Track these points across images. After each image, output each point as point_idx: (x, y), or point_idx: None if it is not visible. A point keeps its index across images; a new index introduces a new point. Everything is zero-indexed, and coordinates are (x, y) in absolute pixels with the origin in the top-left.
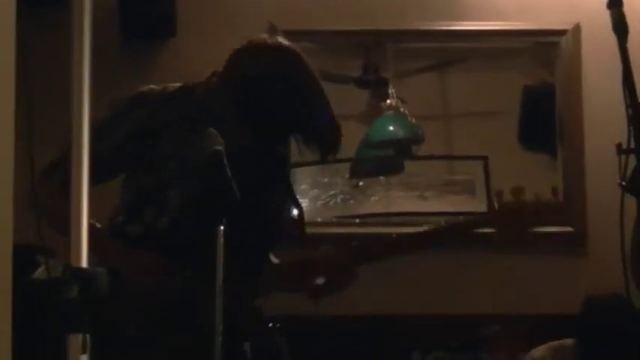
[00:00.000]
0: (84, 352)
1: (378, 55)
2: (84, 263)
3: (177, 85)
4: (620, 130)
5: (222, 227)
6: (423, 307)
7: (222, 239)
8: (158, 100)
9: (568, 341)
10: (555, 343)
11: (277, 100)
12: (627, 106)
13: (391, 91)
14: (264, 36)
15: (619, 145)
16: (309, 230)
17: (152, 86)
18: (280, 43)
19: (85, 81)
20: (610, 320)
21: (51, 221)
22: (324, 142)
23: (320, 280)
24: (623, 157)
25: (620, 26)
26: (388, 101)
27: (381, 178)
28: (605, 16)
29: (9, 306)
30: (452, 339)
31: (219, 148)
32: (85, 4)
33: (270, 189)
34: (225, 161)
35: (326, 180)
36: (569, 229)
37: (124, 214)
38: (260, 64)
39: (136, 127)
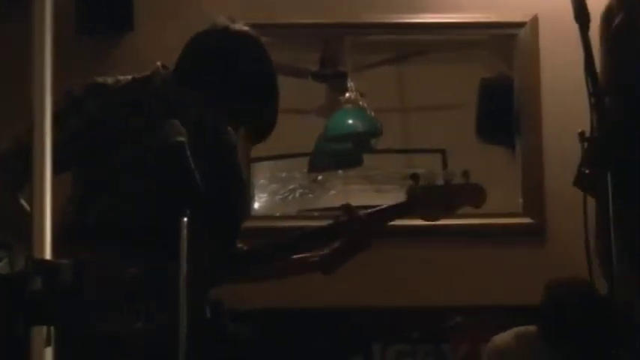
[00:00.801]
0: (48, 344)
1: (336, 48)
2: (47, 255)
3: (131, 76)
4: (578, 122)
5: (185, 219)
6: (383, 299)
7: (185, 231)
8: (112, 91)
9: (532, 328)
10: (520, 328)
11: (238, 85)
12: (590, 94)
13: (350, 84)
14: (226, 22)
15: (582, 134)
16: (268, 224)
17: (106, 77)
18: (243, 28)
19: (46, 71)
20: (572, 304)
21: None
22: (262, 133)
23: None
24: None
25: (581, 14)
26: (347, 94)
27: (340, 171)
28: (563, 8)
29: None
30: (413, 331)
31: (182, 139)
32: None
33: (224, 179)
34: (188, 152)
35: (284, 174)
36: (528, 220)
37: (76, 206)
38: (224, 49)
39: (90, 117)
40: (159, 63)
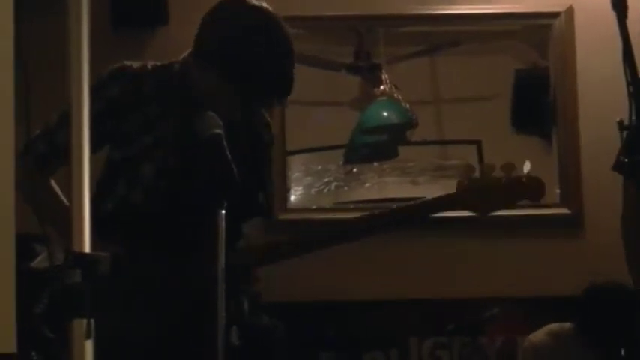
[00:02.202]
0: (88, 337)
1: (369, 40)
2: (87, 248)
3: (159, 62)
4: (614, 112)
5: (223, 211)
6: (419, 291)
7: (223, 223)
8: (136, 76)
9: (567, 325)
10: (554, 326)
11: (259, 59)
12: (628, 83)
13: (384, 76)
14: None
15: (621, 122)
16: (304, 217)
17: (133, 62)
18: (255, 2)
19: (83, 65)
20: (612, 306)
21: (26, 198)
22: (281, 96)
23: None
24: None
25: (619, 3)
26: (381, 87)
27: (375, 164)
28: None
29: (13, 295)
30: (450, 323)
31: (219, 131)
32: None
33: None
34: (225, 144)
35: (319, 167)
36: (565, 211)
37: (97, 191)
38: (243, 23)
39: (110, 101)
40: (189, 50)
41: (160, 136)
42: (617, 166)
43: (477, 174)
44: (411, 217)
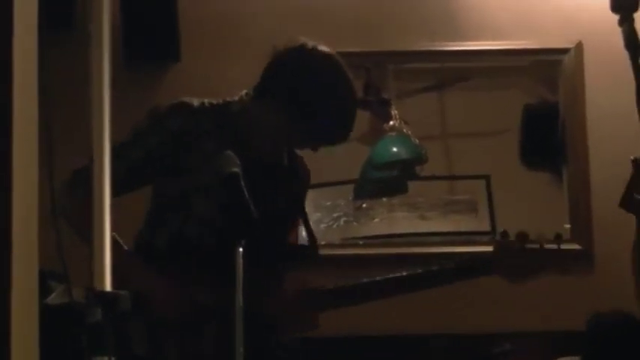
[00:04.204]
0: None
1: (378, 75)
2: (108, 286)
3: (216, 100)
4: (624, 147)
5: (241, 249)
6: (431, 325)
7: (241, 260)
8: (196, 112)
9: (576, 358)
10: (565, 359)
11: (326, 105)
12: None
13: (394, 111)
14: (307, 41)
15: (635, 161)
16: None
17: (193, 98)
18: (326, 49)
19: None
20: (615, 337)
21: (73, 225)
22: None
23: None
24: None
25: (632, 42)
26: (391, 122)
27: (384, 199)
28: (607, 34)
29: (36, 333)
30: (462, 358)
31: (236, 170)
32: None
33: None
34: (242, 183)
35: (329, 203)
36: (576, 246)
37: (148, 225)
38: (312, 67)
39: (170, 136)
40: (245, 91)
41: (209, 172)
42: (625, 203)
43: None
44: (450, 277)
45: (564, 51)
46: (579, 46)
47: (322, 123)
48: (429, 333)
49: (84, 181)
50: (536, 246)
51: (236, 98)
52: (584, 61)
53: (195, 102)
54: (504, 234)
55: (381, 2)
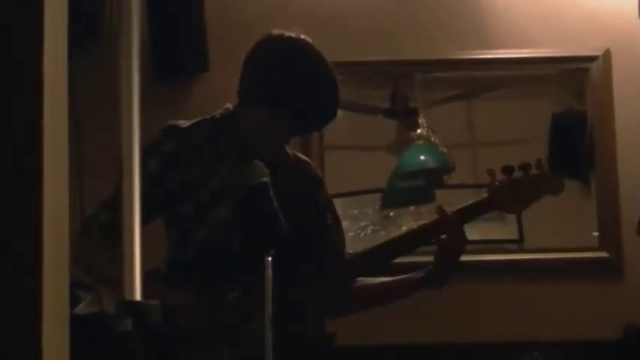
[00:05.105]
0: None
1: (405, 85)
2: (137, 296)
3: (202, 117)
4: None
5: (270, 258)
6: (458, 335)
7: (270, 270)
8: (186, 130)
9: None
10: None
11: (301, 82)
12: None
13: (421, 120)
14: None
15: None
16: None
17: (179, 120)
18: (295, 35)
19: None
20: None
21: (91, 271)
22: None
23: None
24: None
25: None
26: (418, 131)
27: (412, 207)
28: (635, 42)
29: (67, 343)
30: None
31: (265, 179)
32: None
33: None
34: (271, 193)
35: (356, 211)
36: (604, 254)
37: (173, 244)
38: (281, 53)
39: (166, 158)
40: (228, 104)
41: (223, 178)
42: None
43: (500, 176)
44: (453, 224)
45: (592, 59)
46: (607, 54)
47: (301, 100)
48: (455, 342)
49: (95, 223)
50: (521, 174)
51: (222, 110)
52: (613, 69)
53: (183, 122)
54: (491, 172)
55: (408, 11)
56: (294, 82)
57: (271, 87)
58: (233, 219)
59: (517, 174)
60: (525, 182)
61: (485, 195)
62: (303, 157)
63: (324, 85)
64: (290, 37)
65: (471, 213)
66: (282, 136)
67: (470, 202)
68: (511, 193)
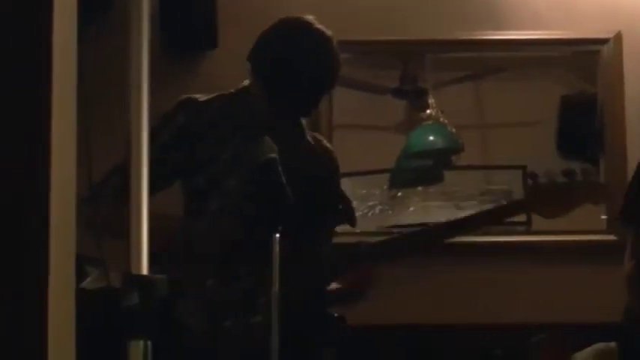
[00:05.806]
0: (145, 359)
1: (415, 65)
2: (144, 270)
3: (218, 92)
4: None
5: (277, 235)
6: (465, 316)
7: (277, 246)
8: (201, 104)
9: (612, 344)
10: (601, 345)
11: (294, 56)
12: None
13: (430, 100)
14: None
15: None
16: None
17: (196, 95)
18: (301, 18)
19: (143, 85)
20: None
21: (105, 229)
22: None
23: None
24: None
25: None
26: (427, 111)
27: (419, 188)
28: None
29: (73, 317)
30: (496, 348)
31: (274, 155)
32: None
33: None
34: (280, 169)
35: (364, 191)
36: (612, 237)
37: (189, 215)
38: (281, 38)
39: (179, 130)
40: (245, 81)
41: (234, 152)
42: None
43: (542, 179)
44: (487, 221)
45: (603, 41)
46: (618, 37)
47: (297, 74)
48: (463, 324)
49: (110, 182)
50: (565, 180)
51: (236, 89)
52: (624, 52)
53: (199, 96)
54: (533, 175)
55: None
56: (287, 56)
57: (265, 59)
58: (244, 192)
59: (561, 179)
60: (567, 188)
61: (524, 197)
62: (329, 145)
63: (316, 62)
64: (295, 17)
65: (504, 213)
66: (276, 113)
67: (506, 203)
68: (550, 198)
